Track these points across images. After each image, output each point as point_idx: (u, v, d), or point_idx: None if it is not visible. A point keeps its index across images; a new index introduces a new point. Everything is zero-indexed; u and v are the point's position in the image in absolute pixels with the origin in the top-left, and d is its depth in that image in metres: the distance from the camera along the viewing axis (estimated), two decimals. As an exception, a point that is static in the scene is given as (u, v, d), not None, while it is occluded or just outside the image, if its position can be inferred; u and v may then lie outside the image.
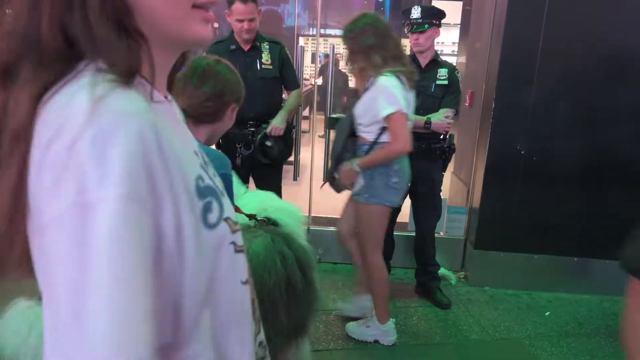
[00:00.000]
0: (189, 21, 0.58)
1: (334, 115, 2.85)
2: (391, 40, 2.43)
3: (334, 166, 2.56)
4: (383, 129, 2.41)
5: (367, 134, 2.47)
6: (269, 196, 2.33)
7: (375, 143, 2.45)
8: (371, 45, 2.38)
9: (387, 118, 2.34)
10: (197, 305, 0.58)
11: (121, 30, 0.53)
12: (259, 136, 2.92)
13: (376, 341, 2.74)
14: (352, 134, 2.53)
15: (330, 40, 8.59)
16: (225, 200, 0.64)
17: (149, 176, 0.49)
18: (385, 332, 2.72)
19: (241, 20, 2.87)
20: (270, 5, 7.98)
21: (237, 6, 2.82)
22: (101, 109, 0.48)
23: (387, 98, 2.33)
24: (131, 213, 0.47)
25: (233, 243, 0.64)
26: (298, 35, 6.82)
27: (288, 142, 3.07)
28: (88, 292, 0.45)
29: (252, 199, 2.32)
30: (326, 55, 7.94)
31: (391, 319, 2.73)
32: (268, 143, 2.90)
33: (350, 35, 2.44)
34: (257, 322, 0.74)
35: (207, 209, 0.59)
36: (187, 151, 0.61)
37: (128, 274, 0.46)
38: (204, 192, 0.59)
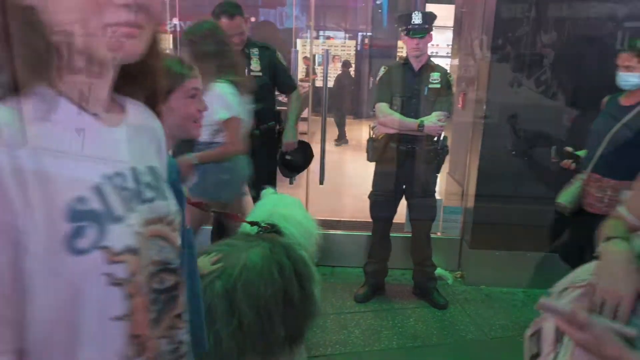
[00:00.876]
0: (102, 40, 0.59)
1: None
2: (229, 49, 2.53)
3: None
4: (217, 131, 2.53)
5: (203, 134, 2.59)
6: (284, 202, 2.36)
7: (211, 143, 2.55)
8: (209, 52, 2.45)
9: (223, 122, 2.47)
10: (44, 335, 0.57)
11: (31, 48, 0.56)
12: (278, 155, 3.08)
13: None
14: None
15: (328, 42, 8.60)
16: (116, 228, 0.61)
17: None
18: None
19: (230, 35, 2.81)
20: (268, 7, 7.98)
21: (224, 22, 2.81)
22: None
23: (222, 103, 2.44)
24: None
25: (107, 275, 0.59)
26: (296, 38, 6.84)
27: (304, 149, 3.19)
28: None
29: (269, 201, 2.36)
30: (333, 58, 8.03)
31: None
32: (288, 157, 3.04)
33: (193, 39, 2.49)
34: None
35: (76, 234, 0.57)
36: (73, 171, 0.60)
37: None
38: (79, 215, 0.57)
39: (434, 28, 3.07)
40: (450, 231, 3.75)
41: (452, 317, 3.17)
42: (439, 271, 3.51)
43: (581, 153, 2.71)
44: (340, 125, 8.00)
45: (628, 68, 2.44)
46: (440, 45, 6.48)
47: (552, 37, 3.25)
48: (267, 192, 2.44)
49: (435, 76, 3.09)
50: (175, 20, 4.62)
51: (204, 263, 1.86)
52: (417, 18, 2.99)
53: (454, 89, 3.32)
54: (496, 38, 3.26)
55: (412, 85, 3.11)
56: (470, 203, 3.59)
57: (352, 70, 8.60)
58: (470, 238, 3.59)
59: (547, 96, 3.32)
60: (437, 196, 3.47)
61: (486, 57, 3.37)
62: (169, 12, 4.57)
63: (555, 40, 3.26)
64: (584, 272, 1.12)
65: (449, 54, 4.85)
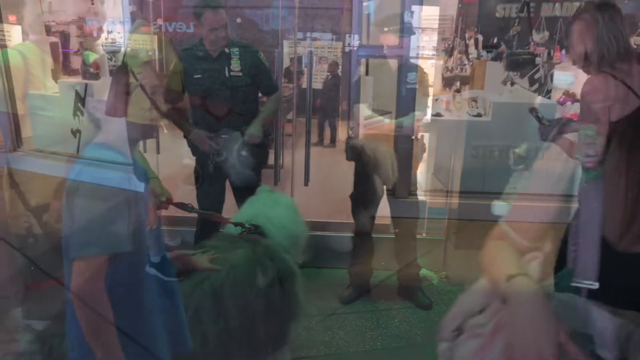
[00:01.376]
0: None
1: None
2: None
3: None
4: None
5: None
6: (275, 201, 2.35)
7: None
8: None
9: None
10: None
11: None
12: (236, 146, 2.91)
13: None
14: None
15: (314, 44, 8.59)
16: None
17: None
18: None
19: (215, 29, 2.81)
20: (255, 8, 7.97)
21: (209, 16, 2.78)
22: None
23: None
24: None
25: None
26: (282, 40, 6.81)
27: (264, 150, 3.07)
28: None
29: (258, 200, 2.35)
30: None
31: None
32: (243, 153, 2.90)
33: None
34: None
35: None
36: None
37: None
38: None
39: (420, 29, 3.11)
40: (434, 232, 3.76)
41: (436, 318, 3.17)
42: (423, 272, 3.51)
43: (522, 150, 2.72)
44: (332, 127, 7.99)
45: None
46: (426, 47, 6.53)
47: (544, 37, 3.29)
48: (262, 190, 2.42)
49: (412, 76, 3.12)
50: (160, 21, 4.59)
51: (202, 259, 1.86)
52: (408, 17, 3.03)
53: (440, 89, 3.34)
54: (485, 38, 3.29)
55: (390, 85, 3.13)
56: (455, 204, 3.60)
57: (339, 72, 8.60)
58: (455, 238, 3.60)
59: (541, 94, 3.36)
60: (422, 197, 3.48)
61: (473, 57, 3.39)
62: (154, 12, 4.54)
63: (547, 39, 3.29)
64: (475, 302, 1.00)
65: (435, 55, 4.88)
